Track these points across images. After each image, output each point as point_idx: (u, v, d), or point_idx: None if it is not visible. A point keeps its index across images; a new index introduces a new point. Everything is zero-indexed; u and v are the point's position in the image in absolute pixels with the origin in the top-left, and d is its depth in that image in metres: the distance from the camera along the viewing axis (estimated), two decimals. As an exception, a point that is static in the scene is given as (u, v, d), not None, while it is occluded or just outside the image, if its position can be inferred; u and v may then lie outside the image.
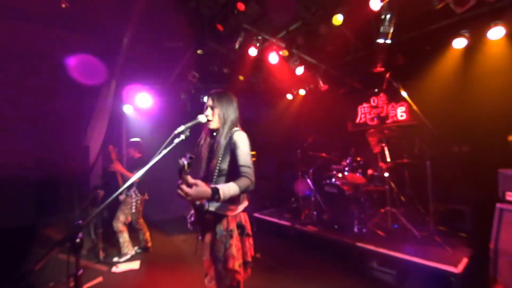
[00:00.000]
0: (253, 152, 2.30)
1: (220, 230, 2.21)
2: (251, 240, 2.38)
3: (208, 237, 2.30)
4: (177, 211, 8.32)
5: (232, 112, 2.35)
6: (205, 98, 2.38)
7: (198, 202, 2.28)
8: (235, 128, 2.33)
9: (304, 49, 5.92)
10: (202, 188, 1.80)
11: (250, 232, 2.39)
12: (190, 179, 1.79)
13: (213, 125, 2.33)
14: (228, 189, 1.90)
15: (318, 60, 6.40)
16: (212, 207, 2.24)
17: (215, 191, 1.84)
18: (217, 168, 2.22)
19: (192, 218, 2.40)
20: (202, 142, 2.47)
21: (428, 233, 4.70)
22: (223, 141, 2.26)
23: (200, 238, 2.42)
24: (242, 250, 2.27)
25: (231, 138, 2.25)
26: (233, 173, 2.16)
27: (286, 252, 5.52)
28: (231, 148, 2.21)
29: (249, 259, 2.33)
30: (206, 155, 2.40)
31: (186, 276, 4.54)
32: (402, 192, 5.61)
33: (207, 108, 2.34)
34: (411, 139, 5.55)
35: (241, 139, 2.22)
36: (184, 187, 1.75)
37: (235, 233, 2.23)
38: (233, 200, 2.23)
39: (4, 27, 4.93)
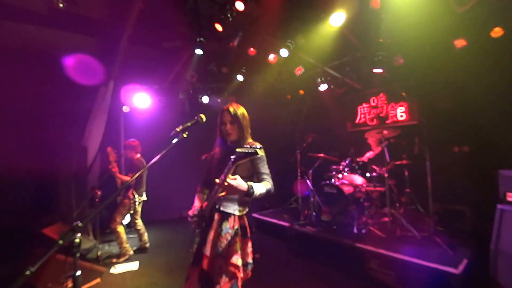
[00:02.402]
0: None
1: (225, 228, 2.37)
2: (250, 243, 2.51)
3: (212, 234, 2.39)
4: (176, 212, 8.31)
5: (247, 124, 2.59)
6: (223, 113, 2.55)
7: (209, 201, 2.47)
8: (250, 140, 2.59)
9: (303, 49, 5.89)
10: (242, 182, 2.09)
11: (249, 234, 2.53)
12: (231, 176, 2.04)
13: (233, 136, 2.54)
14: (258, 187, 2.21)
15: (317, 60, 6.38)
16: (224, 207, 2.43)
17: (250, 186, 2.14)
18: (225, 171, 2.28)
19: (195, 214, 2.54)
20: (216, 151, 2.65)
21: (428, 233, 4.68)
22: None
23: (198, 235, 2.54)
24: (244, 251, 2.43)
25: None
26: (252, 179, 2.35)
27: (285, 253, 5.50)
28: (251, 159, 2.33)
29: (250, 260, 2.46)
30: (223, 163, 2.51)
31: (184, 277, 4.50)
32: (402, 193, 5.59)
33: (225, 123, 2.52)
34: (411, 139, 5.54)
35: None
36: (229, 179, 2.01)
37: (239, 232, 2.41)
38: (243, 203, 2.49)
39: (2, 27, 4.91)
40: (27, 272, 1.33)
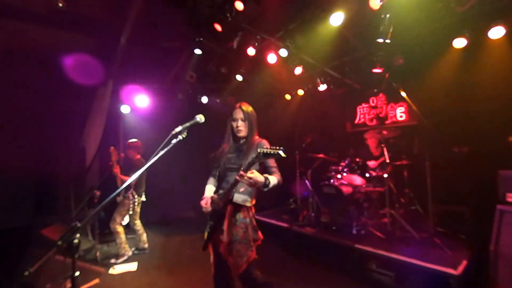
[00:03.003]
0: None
1: (240, 218, 2.64)
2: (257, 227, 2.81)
3: (226, 223, 2.62)
4: (175, 213, 8.29)
5: (255, 122, 2.85)
6: (235, 111, 2.84)
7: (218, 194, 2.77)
8: (257, 137, 2.83)
9: (303, 49, 5.88)
10: (259, 175, 2.34)
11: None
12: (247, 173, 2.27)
13: (243, 133, 2.79)
14: (271, 180, 2.46)
15: (317, 60, 6.37)
16: (236, 199, 2.65)
17: (266, 178, 2.41)
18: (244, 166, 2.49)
19: (209, 207, 2.77)
20: (227, 146, 2.90)
21: (427, 234, 4.67)
22: (251, 146, 2.72)
23: (210, 224, 2.79)
24: (257, 234, 2.75)
25: (258, 145, 2.69)
26: (259, 171, 2.49)
27: (284, 254, 5.48)
28: None
29: (260, 242, 2.78)
30: (234, 156, 2.78)
31: (183, 278, 4.50)
32: (401, 193, 5.58)
33: (237, 120, 2.78)
34: (411, 140, 5.53)
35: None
36: (249, 173, 2.26)
37: (253, 221, 2.72)
38: (253, 195, 2.75)
39: (1, 27, 4.90)
40: (26, 273, 1.33)
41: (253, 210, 2.80)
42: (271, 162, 2.69)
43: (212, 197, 2.81)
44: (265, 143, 2.72)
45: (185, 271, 4.74)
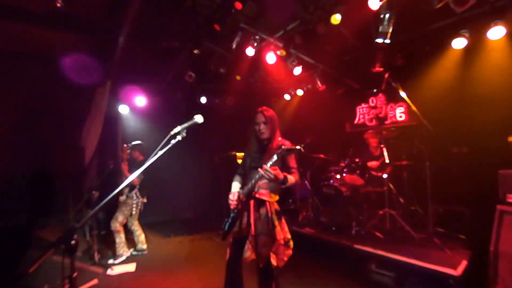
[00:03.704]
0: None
1: (263, 213, 2.86)
2: (284, 221, 2.98)
3: (252, 218, 2.85)
4: (173, 213, 8.27)
5: (277, 124, 3.06)
6: (257, 116, 3.11)
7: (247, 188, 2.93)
8: (280, 138, 3.05)
9: (302, 49, 5.87)
10: (280, 172, 2.60)
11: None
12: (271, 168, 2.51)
13: (266, 135, 3.00)
14: (289, 178, 2.72)
15: (316, 60, 6.36)
16: (259, 194, 2.91)
17: (285, 177, 2.66)
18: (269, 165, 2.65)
19: (235, 201, 2.99)
20: (252, 147, 3.12)
21: (427, 235, 4.66)
22: (274, 146, 2.92)
23: (233, 215, 3.01)
24: (283, 230, 2.90)
25: (282, 145, 2.77)
26: (282, 171, 2.72)
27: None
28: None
29: (289, 235, 2.94)
30: (258, 156, 2.97)
31: (181, 279, 4.48)
32: (401, 194, 5.56)
33: (259, 123, 3.00)
34: (410, 140, 5.51)
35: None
36: (273, 169, 2.53)
37: (276, 216, 2.88)
38: (275, 191, 2.99)
39: (1, 27, 4.88)
40: (24, 274, 1.32)
41: (276, 206, 2.98)
42: (292, 163, 2.94)
43: (238, 192, 3.05)
44: (287, 143, 2.92)
45: (184, 272, 4.72)
